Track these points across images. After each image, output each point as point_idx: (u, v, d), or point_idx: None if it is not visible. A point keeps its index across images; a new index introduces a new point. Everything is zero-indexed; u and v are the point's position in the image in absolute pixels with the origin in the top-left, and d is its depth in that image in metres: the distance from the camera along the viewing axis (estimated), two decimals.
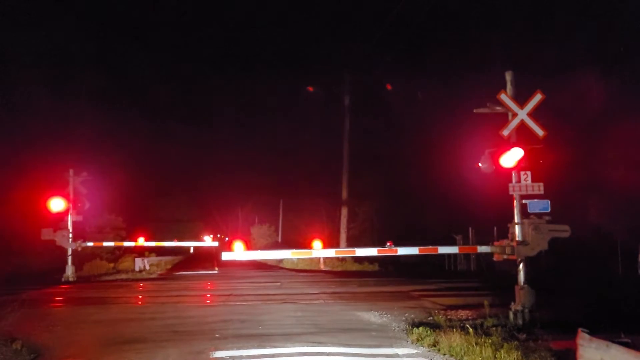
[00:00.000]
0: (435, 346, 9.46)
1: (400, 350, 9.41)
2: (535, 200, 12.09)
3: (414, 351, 9.38)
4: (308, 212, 46.84)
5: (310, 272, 29.86)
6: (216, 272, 31.05)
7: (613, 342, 5.99)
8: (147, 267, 32.03)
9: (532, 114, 12.10)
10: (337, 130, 36.50)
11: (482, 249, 13.55)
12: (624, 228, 21.78)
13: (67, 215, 24.78)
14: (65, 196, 24.64)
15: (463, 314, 13.03)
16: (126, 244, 31.86)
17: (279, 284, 22.22)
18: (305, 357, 8.90)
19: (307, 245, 14.55)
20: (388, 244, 13.30)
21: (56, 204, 24.15)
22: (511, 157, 11.90)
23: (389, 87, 37.67)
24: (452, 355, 8.83)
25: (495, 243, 12.76)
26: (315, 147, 46.39)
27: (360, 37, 57.43)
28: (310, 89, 37.93)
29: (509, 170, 12.10)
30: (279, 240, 54.19)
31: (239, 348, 9.51)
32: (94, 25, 57.89)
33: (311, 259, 32.13)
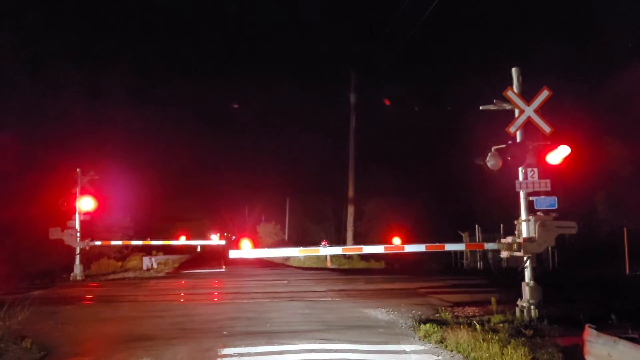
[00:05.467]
0: (442, 342, 9.47)
1: (407, 347, 9.43)
2: (542, 196, 12.05)
3: (421, 347, 9.39)
4: (314, 211, 46.88)
5: (317, 269, 29.91)
6: (223, 270, 31.11)
7: (620, 337, 5.97)
8: (155, 266, 32.10)
9: (539, 111, 12.06)
10: (344, 128, 36.51)
11: (489, 245, 13.55)
12: (631, 226, 21.73)
13: (75, 214, 24.90)
14: (73, 195, 24.77)
15: (470, 310, 13.01)
16: (134, 242, 31.97)
17: (286, 281, 22.25)
18: (313, 353, 8.93)
19: (314, 244, 14.57)
20: (395, 240, 13.33)
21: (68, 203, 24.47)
22: (518, 154, 11.87)
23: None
24: (459, 352, 8.83)
25: (502, 240, 12.74)
26: (321, 145, 46.46)
27: (367, 36, 57.36)
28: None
29: (516, 167, 12.07)
30: (286, 238, 54.21)
31: (247, 345, 9.55)
32: (104, 25, 58.15)
33: (318, 257, 32.18)
